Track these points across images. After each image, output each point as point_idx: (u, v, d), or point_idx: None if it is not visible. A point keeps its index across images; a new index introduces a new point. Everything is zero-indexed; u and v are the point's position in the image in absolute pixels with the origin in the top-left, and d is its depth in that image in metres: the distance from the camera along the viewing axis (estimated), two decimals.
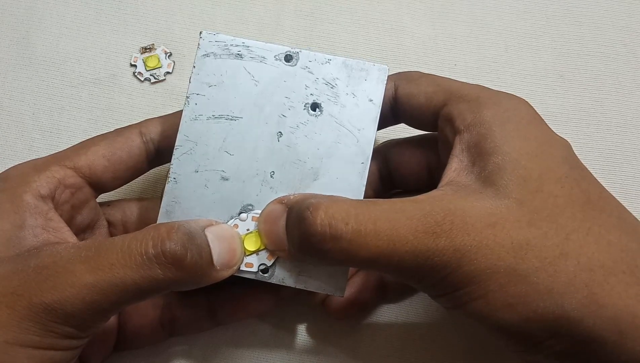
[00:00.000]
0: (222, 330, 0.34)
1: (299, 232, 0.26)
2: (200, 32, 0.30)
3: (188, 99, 0.29)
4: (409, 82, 0.31)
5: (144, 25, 0.41)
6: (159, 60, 0.40)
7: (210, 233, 0.27)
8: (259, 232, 0.28)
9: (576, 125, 0.40)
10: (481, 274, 0.25)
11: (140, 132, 0.31)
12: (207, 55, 0.30)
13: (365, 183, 0.29)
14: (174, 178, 0.29)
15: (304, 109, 0.30)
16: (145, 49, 0.40)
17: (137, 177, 0.32)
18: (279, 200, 0.28)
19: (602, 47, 0.41)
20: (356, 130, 0.29)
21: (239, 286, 0.32)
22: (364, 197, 0.29)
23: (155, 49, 0.40)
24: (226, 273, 0.27)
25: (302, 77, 0.30)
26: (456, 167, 0.28)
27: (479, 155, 0.27)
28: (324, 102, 0.30)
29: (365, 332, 0.35)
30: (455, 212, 0.26)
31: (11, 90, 0.39)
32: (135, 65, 0.40)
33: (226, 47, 0.30)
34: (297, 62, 0.30)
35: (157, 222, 0.29)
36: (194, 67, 0.30)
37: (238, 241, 0.28)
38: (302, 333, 0.35)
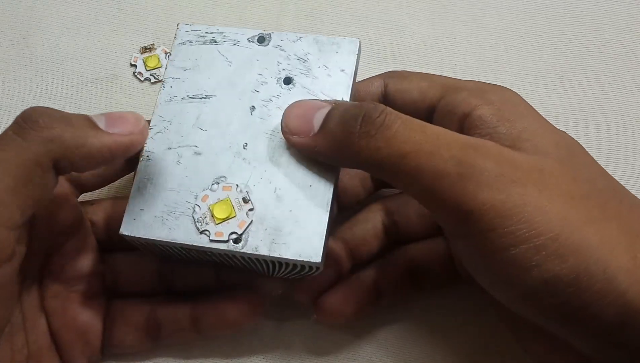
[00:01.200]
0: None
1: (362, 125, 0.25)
2: (178, 24, 0.31)
3: (164, 83, 0.30)
4: (399, 79, 0.31)
5: (144, 25, 0.41)
6: (159, 60, 0.40)
7: (94, 118, 0.27)
8: (284, 117, 0.28)
9: (576, 125, 0.40)
10: (531, 215, 0.24)
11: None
12: (183, 43, 0.31)
13: None
14: (147, 156, 0.29)
15: (277, 83, 0.30)
16: (145, 49, 0.40)
17: (119, 178, 0.32)
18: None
19: (602, 47, 0.41)
20: (329, 98, 0.29)
21: (222, 295, 0.32)
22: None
23: (155, 49, 0.40)
24: (121, 138, 0.27)
25: (274, 55, 0.30)
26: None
27: (501, 121, 0.27)
28: (297, 76, 0.30)
29: (365, 331, 0.35)
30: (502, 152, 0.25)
31: (11, 90, 0.39)
32: (135, 65, 0.40)
33: (201, 35, 0.31)
34: (269, 42, 0.30)
35: (129, 202, 0.28)
36: (170, 54, 0.31)
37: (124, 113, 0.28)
38: (302, 333, 0.35)
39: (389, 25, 0.42)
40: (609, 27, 0.42)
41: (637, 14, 0.42)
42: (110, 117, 0.27)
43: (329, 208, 0.27)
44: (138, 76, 0.40)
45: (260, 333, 0.35)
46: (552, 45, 0.41)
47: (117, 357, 0.33)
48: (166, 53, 0.40)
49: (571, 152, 0.27)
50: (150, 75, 0.40)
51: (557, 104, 0.40)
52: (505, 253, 0.24)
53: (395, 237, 0.34)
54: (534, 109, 0.29)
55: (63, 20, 0.41)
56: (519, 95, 0.29)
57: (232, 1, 0.42)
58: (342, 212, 0.34)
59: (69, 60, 0.40)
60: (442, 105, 0.29)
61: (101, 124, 0.27)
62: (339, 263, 0.32)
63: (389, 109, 0.26)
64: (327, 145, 0.27)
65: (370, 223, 0.33)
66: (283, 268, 0.29)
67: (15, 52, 0.40)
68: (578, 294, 0.23)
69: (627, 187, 0.26)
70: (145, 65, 0.40)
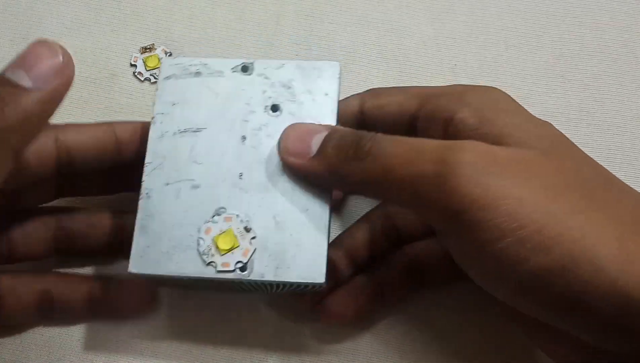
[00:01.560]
0: (222, 330, 0.34)
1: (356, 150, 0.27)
2: (160, 59, 0.32)
3: (153, 119, 0.31)
4: (376, 95, 0.32)
5: (144, 25, 0.41)
6: (159, 60, 0.40)
7: (8, 73, 0.25)
8: (280, 142, 0.29)
9: (576, 125, 0.40)
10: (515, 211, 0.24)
11: (55, 138, 0.31)
12: (168, 77, 0.31)
13: None
14: (147, 193, 0.30)
15: (265, 112, 0.31)
16: (145, 49, 0.40)
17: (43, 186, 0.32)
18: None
19: (602, 47, 0.41)
20: (316, 122, 0.30)
21: (118, 282, 0.33)
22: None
23: (155, 49, 0.40)
24: (51, 84, 0.25)
25: (259, 84, 0.31)
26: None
27: (482, 121, 0.27)
28: (283, 103, 0.31)
29: (366, 331, 0.35)
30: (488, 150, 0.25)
31: None
32: (135, 65, 0.40)
33: (185, 68, 0.31)
34: (252, 71, 0.31)
35: (133, 240, 0.29)
36: (157, 89, 0.31)
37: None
38: (302, 332, 0.35)
39: (389, 26, 0.42)
40: (609, 27, 0.42)
41: (637, 14, 0.42)
42: (29, 68, 0.25)
43: (327, 231, 0.29)
44: (138, 76, 0.40)
45: (260, 333, 0.35)
46: (552, 45, 0.41)
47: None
48: (166, 53, 0.40)
49: (555, 143, 0.27)
50: (150, 75, 0.40)
51: (557, 104, 0.40)
52: (493, 247, 0.24)
53: (396, 239, 0.34)
54: (516, 103, 0.29)
55: (63, 20, 0.41)
56: (500, 90, 0.29)
57: (232, 1, 0.42)
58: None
59: None
60: (423, 115, 0.29)
61: (25, 82, 0.25)
62: (338, 271, 0.33)
63: (378, 134, 0.27)
64: (323, 168, 0.28)
65: (369, 228, 0.34)
66: (287, 287, 0.30)
67: (15, 52, 0.39)
68: (569, 286, 0.23)
69: None
70: (145, 65, 0.40)
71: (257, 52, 0.41)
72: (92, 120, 0.38)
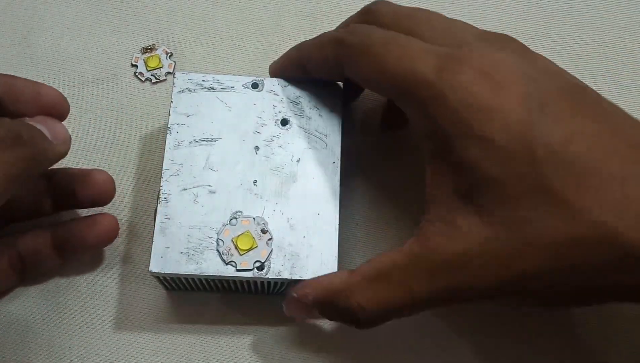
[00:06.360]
0: (222, 330, 0.35)
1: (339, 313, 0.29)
2: (174, 74, 0.34)
3: (169, 129, 0.33)
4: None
5: (145, 26, 0.41)
6: (159, 61, 0.40)
7: (31, 121, 0.29)
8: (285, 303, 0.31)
9: None
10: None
11: None
12: (182, 91, 0.33)
13: (339, 179, 0.32)
14: (165, 198, 0.31)
15: (275, 125, 0.33)
16: (146, 49, 0.40)
17: None
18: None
19: (602, 47, 0.42)
20: (324, 136, 0.33)
21: (80, 219, 0.34)
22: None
23: (156, 49, 0.40)
24: (66, 146, 0.29)
25: (269, 99, 0.33)
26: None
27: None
28: (292, 117, 0.33)
29: (368, 332, 0.35)
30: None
31: None
32: (136, 66, 0.40)
33: (198, 83, 0.34)
34: (262, 87, 0.34)
35: (153, 241, 0.30)
36: (172, 102, 0.33)
37: (57, 121, 0.30)
38: (302, 332, 0.35)
39: None
40: (609, 27, 0.42)
41: (637, 15, 0.42)
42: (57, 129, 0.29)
43: (337, 232, 0.31)
44: (139, 76, 0.40)
45: (260, 331, 0.35)
46: (552, 46, 0.41)
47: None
48: (167, 53, 0.40)
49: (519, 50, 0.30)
50: (151, 75, 0.40)
51: None
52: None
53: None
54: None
55: (64, 20, 0.41)
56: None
57: (232, 1, 0.42)
58: None
59: (70, 61, 0.40)
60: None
61: (52, 136, 0.29)
62: None
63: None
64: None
65: None
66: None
67: (16, 52, 0.40)
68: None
69: None
70: (146, 66, 0.40)
71: (257, 52, 0.41)
72: (92, 121, 0.39)
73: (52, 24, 0.41)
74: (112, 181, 0.34)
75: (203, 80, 0.34)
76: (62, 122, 0.30)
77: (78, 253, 0.34)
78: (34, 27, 0.41)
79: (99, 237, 0.33)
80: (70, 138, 0.30)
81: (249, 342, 0.34)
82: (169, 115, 0.33)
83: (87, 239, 0.33)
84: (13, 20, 0.41)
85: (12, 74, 0.31)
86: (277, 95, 0.34)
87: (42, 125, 0.29)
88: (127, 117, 0.39)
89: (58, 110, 0.31)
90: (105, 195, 0.34)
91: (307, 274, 0.30)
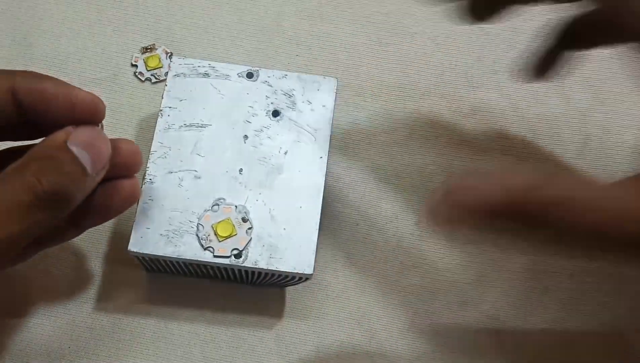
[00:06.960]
0: (221, 330, 0.35)
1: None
2: (171, 57, 0.34)
3: (161, 112, 0.33)
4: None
5: (145, 26, 0.41)
6: (159, 61, 0.40)
7: (73, 146, 0.26)
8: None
9: (576, 125, 0.40)
10: None
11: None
12: (177, 75, 0.33)
13: (325, 174, 0.32)
14: (150, 179, 0.32)
15: (266, 115, 0.33)
16: (146, 49, 0.40)
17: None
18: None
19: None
20: (313, 130, 0.33)
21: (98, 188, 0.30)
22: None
23: (156, 49, 0.40)
24: (102, 174, 0.27)
25: (262, 90, 0.33)
26: None
27: None
28: (283, 109, 0.33)
29: (365, 331, 0.35)
30: None
31: None
32: (136, 65, 0.40)
33: (194, 68, 0.34)
34: (257, 78, 0.34)
35: (135, 221, 0.30)
36: (166, 85, 0.33)
37: (101, 137, 0.27)
38: (302, 334, 0.35)
39: (389, 26, 0.42)
40: None
41: None
42: (96, 159, 0.26)
43: (317, 227, 0.31)
44: (139, 76, 0.40)
45: (260, 333, 0.35)
46: None
47: None
48: (167, 53, 0.40)
49: None
50: (151, 75, 0.40)
51: (557, 104, 0.40)
52: None
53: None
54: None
55: (64, 20, 0.41)
56: None
57: (233, 1, 0.42)
58: None
59: (70, 60, 0.40)
60: None
61: (90, 169, 0.26)
62: None
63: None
64: None
65: None
66: (275, 277, 0.32)
67: (16, 51, 0.40)
68: None
69: None
70: (146, 65, 0.40)
71: (257, 52, 0.41)
72: None
73: (52, 24, 0.41)
74: (139, 151, 0.30)
75: (199, 66, 0.34)
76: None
77: (97, 222, 0.31)
78: (34, 27, 0.40)
79: (124, 202, 0.30)
80: (109, 156, 0.27)
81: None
82: (162, 98, 0.33)
83: (112, 205, 0.30)
84: (13, 20, 0.41)
85: None
86: (271, 86, 0.34)
87: (87, 153, 0.26)
88: (127, 116, 0.39)
89: (94, 119, 0.28)
90: (132, 164, 0.30)
91: (284, 266, 0.30)
